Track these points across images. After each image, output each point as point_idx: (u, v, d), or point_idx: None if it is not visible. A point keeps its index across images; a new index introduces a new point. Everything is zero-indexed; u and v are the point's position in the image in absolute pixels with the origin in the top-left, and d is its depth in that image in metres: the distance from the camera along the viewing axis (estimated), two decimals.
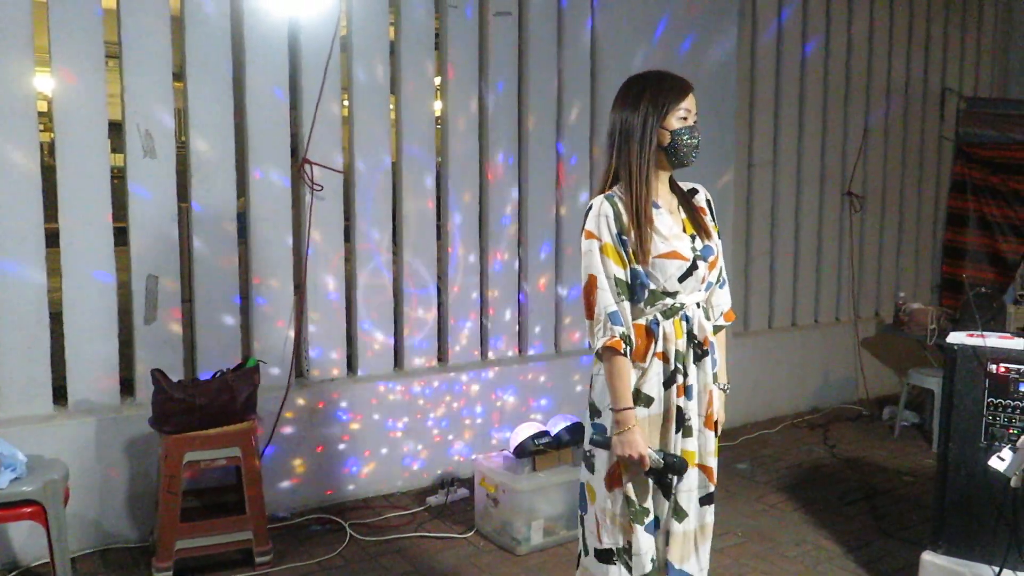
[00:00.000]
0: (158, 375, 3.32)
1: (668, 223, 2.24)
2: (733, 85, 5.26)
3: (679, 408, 2.23)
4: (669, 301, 2.21)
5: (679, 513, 2.25)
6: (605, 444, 2.21)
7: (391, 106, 4.30)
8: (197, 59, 3.71)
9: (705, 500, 2.30)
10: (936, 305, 6.20)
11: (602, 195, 2.24)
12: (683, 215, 2.29)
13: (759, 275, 5.76)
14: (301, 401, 4.02)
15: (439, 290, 4.50)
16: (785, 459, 4.92)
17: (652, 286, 2.20)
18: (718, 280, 2.33)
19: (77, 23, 3.43)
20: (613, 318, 2.16)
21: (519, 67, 4.59)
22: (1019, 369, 2.98)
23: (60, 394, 3.58)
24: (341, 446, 4.14)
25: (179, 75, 3.73)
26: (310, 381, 4.13)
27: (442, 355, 4.55)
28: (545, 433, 3.75)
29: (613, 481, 2.24)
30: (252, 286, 3.95)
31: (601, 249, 2.18)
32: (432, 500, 4.13)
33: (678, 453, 2.23)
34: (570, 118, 4.76)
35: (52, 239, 3.49)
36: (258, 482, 3.41)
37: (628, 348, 2.17)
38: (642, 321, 2.22)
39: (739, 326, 5.68)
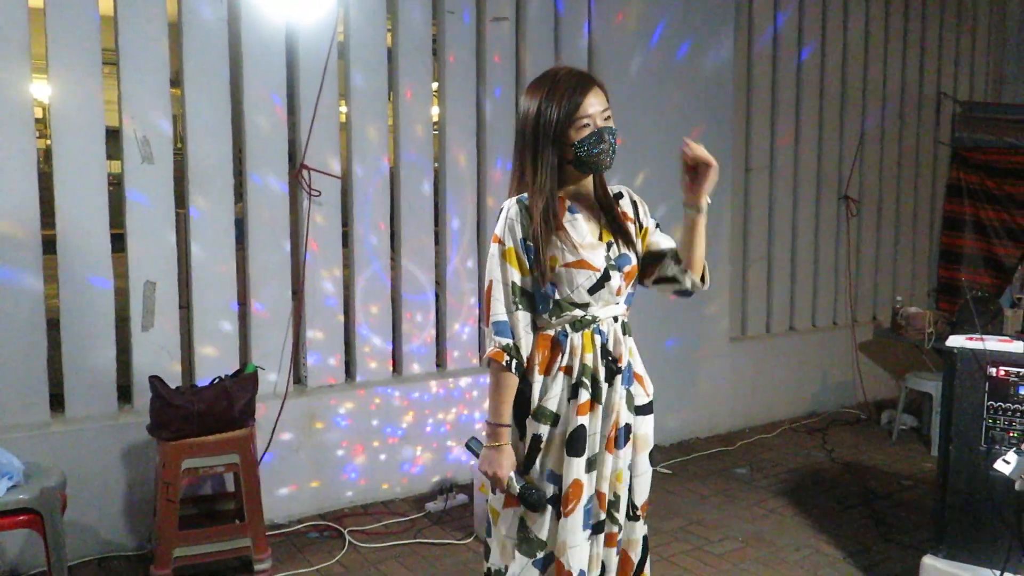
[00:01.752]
0: (156, 382, 3.31)
1: (583, 230, 2.11)
2: (729, 90, 5.27)
3: (580, 427, 2.08)
4: (579, 313, 2.10)
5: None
6: (475, 452, 2.13)
7: (389, 112, 4.30)
8: (194, 65, 3.71)
9: (596, 528, 2.16)
10: (933, 309, 6.21)
11: (514, 198, 2.12)
12: (603, 220, 2.16)
13: (756, 279, 5.77)
14: (299, 407, 4.01)
15: (437, 296, 4.49)
16: (784, 464, 4.91)
17: (557, 296, 2.08)
18: (663, 258, 2.20)
19: (74, 29, 3.42)
20: (498, 328, 2.07)
21: (516, 72, 4.60)
22: (1019, 372, 2.99)
23: (57, 401, 3.56)
24: (339, 452, 4.13)
25: (176, 81, 3.72)
26: (308, 387, 4.12)
27: (440, 361, 4.54)
28: None
29: (510, 500, 2.13)
30: (250, 292, 3.94)
31: (503, 254, 2.08)
32: (431, 506, 4.12)
33: (579, 478, 2.08)
34: None
35: (49, 246, 3.48)
36: (256, 489, 3.40)
37: (513, 361, 2.06)
38: (550, 332, 2.12)
39: (736, 330, 5.68)
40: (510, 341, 2.07)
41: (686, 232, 2.14)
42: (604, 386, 2.12)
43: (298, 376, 4.13)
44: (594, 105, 2.06)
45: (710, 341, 5.37)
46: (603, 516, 2.16)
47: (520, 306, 2.08)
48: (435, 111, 4.51)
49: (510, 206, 2.11)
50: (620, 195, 2.25)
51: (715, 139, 5.20)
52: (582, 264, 2.07)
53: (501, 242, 2.10)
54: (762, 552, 3.71)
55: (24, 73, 3.35)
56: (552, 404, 2.10)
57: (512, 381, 2.08)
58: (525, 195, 2.11)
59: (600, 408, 2.12)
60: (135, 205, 3.62)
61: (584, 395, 2.10)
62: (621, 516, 2.20)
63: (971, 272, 6.51)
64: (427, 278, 4.40)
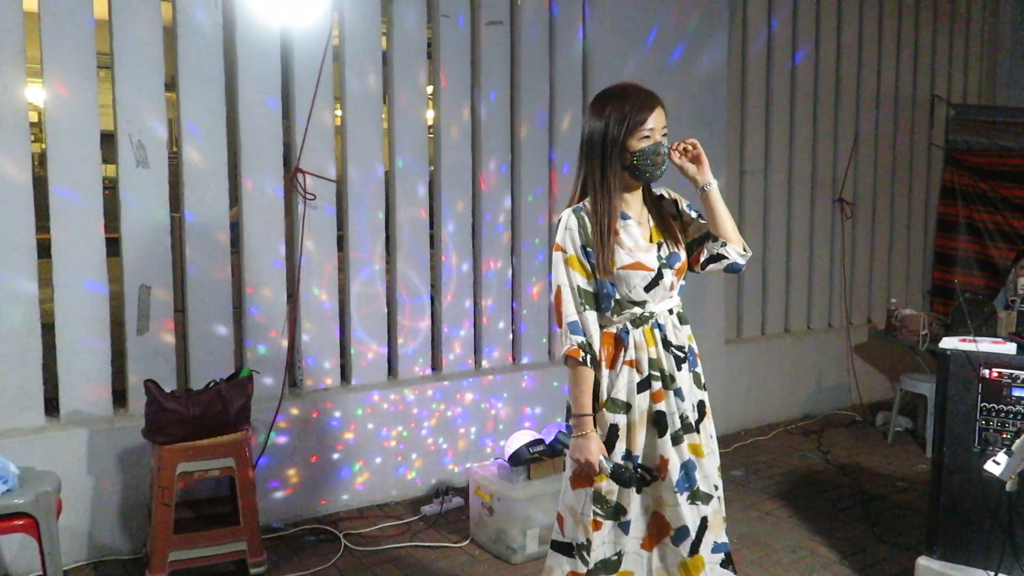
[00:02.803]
0: (151, 386, 3.30)
1: (635, 234, 2.31)
2: (724, 93, 5.29)
3: (659, 413, 2.29)
4: (637, 310, 2.30)
5: (703, 497, 2.34)
6: (564, 445, 2.26)
7: (384, 115, 4.31)
8: (189, 69, 3.71)
9: (696, 496, 2.35)
10: (927, 311, 6.23)
11: (571, 208, 2.32)
12: (652, 223, 2.36)
13: (751, 282, 5.78)
14: (295, 411, 4.01)
15: (432, 299, 4.50)
16: (779, 466, 4.92)
17: (617, 296, 2.28)
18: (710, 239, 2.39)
19: (69, 34, 3.42)
20: (572, 328, 2.26)
21: (511, 76, 4.61)
22: (1012, 374, 3.00)
23: (52, 405, 3.56)
24: (335, 456, 4.13)
25: (171, 85, 3.73)
26: (304, 391, 4.11)
27: (436, 364, 4.54)
28: (540, 441, 3.75)
29: (578, 480, 2.34)
30: (245, 296, 3.94)
31: (566, 261, 2.28)
32: (427, 509, 4.12)
33: (664, 455, 2.28)
34: (562, 126, 4.77)
35: (44, 250, 3.47)
36: (252, 492, 3.39)
37: (588, 356, 2.25)
38: (612, 330, 2.31)
39: (732, 333, 5.70)
40: (584, 338, 2.26)
41: (708, 210, 2.35)
42: (676, 373, 2.32)
43: (293, 379, 4.13)
44: (657, 120, 2.26)
45: (705, 343, 5.30)
46: (699, 486, 2.34)
47: (587, 307, 2.28)
48: (430, 115, 4.52)
49: (568, 216, 2.31)
50: (662, 196, 2.45)
51: (709, 142, 5.17)
52: (637, 266, 2.27)
53: (563, 250, 2.29)
54: (757, 554, 3.71)
55: (19, 77, 3.35)
56: (622, 395, 2.29)
57: (589, 374, 2.27)
58: (580, 205, 2.32)
59: (672, 393, 2.31)
60: (130, 209, 3.62)
61: (656, 385, 2.30)
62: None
63: (965, 274, 6.54)
64: (422, 281, 4.40)
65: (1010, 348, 3.08)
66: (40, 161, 4.30)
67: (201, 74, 3.73)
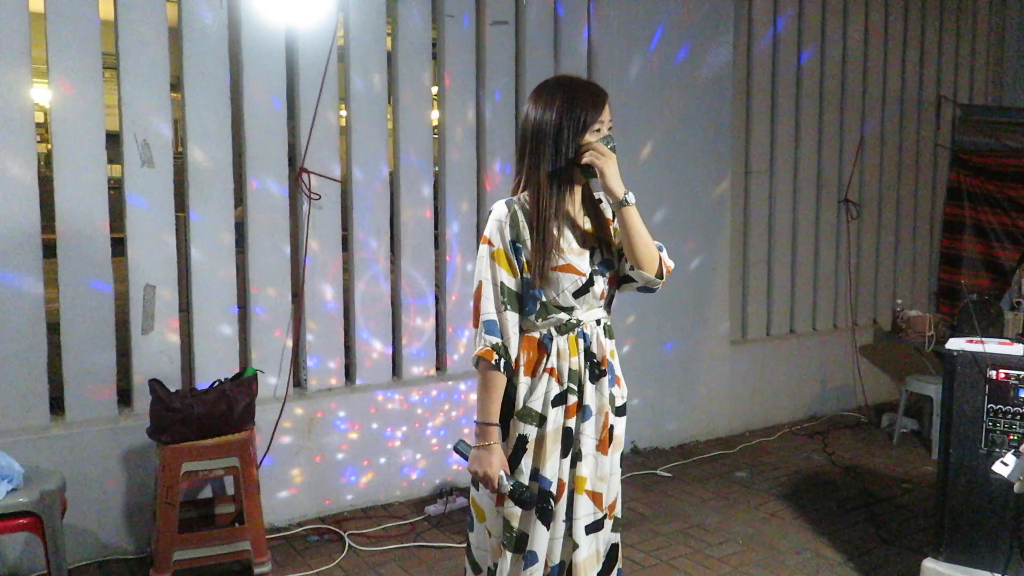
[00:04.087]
0: (156, 385, 3.31)
1: (569, 236, 2.14)
2: (729, 93, 5.28)
3: (567, 430, 2.13)
4: (564, 316, 2.13)
5: (575, 546, 2.16)
6: (463, 454, 2.13)
7: (388, 115, 4.31)
8: (194, 69, 3.71)
9: (592, 528, 2.17)
10: (934, 312, 6.21)
11: (503, 200, 2.17)
12: (587, 226, 2.19)
13: (756, 283, 5.77)
14: (299, 411, 4.01)
15: (437, 299, 4.50)
16: (784, 467, 4.91)
17: (544, 299, 2.12)
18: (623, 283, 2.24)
19: (74, 34, 3.43)
20: (488, 327, 2.08)
21: (516, 76, 4.60)
22: (1019, 375, 2.98)
23: (57, 405, 3.57)
24: (339, 456, 4.13)
25: (176, 85, 3.73)
26: (308, 391, 4.12)
27: (440, 364, 4.54)
28: None
29: (499, 499, 2.15)
30: (250, 296, 3.94)
31: (492, 255, 2.11)
32: (431, 509, 4.12)
33: (563, 477, 2.12)
34: None
35: (50, 249, 3.48)
36: (256, 492, 3.39)
37: (502, 360, 2.07)
38: (535, 335, 2.14)
39: (737, 334, 5.69)
40: (499, 340, 2.08)
41: (620, 229, 2.14)
42: (590, 387, 2.16)
43: (298, 379, 4.13)
44: (608, 113, 2.12)
45: (710, 344, 5.37)
46: (601, 515, 2.19)
47: (509, 307, 2.10)
48: (435, 115, 4.52)
49: (500, 208, 2.15)
50: (600, 200, 2.28)
51: (714, 142, 5.21)
52: (568, 268, 2.11)
53: (490, 243, 2.13)
54: (762, 555, 3.70)
55: (25, 78, 3.36)
56: (537, 405, 2.13)
57: (501, 380, 2.09)
58: (515, 198, 2.16)
59: (587, 410, 2.15)
60: (135, 209, 3.63)
61: (572, 398, 2.14)
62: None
63: (971, 275, 6.51)
64: (427, 281, 4.40)
65: (1017, 349, 3.06)
66: (46, 161, 4.30)
67: (206, 74, 3.73)
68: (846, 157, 6.18)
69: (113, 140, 3.60)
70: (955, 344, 3.15)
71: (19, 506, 2.80)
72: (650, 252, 2.14)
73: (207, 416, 3.29)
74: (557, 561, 2.15)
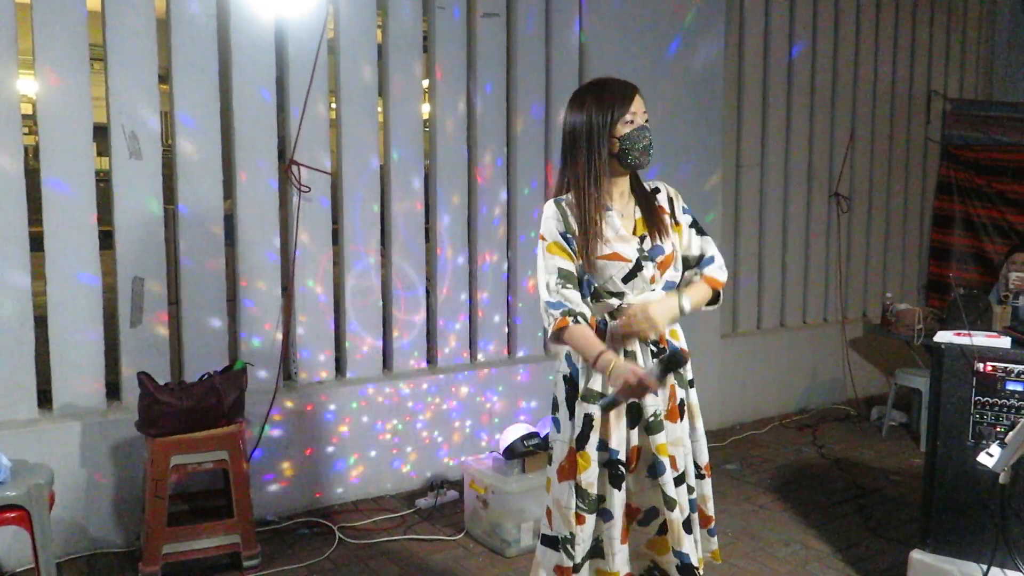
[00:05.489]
0: (144, 378, 3.30)
1: (615, 225, 2.28)
2: (720, 87, 5.28)
3: (631, 404, 2.26)
4: (615, 302, 2.27)
5: (669, 502, 2.28)
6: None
7: (379, 108, 4.29)
8: (183, 60, 3.69)
9: (678, 481, 2.32)
10: (923, 305, 6.24)
11: (552, 199, 2.33)
12: (638, 215, 2.33)
13: (747, 276, 5.78)
14: (289, 404, 4.00)
15: (428, 292, 4.49)
16: (774, 460, 4.93)
17: (595, 284, 2.27)
18: (690, 267, 2.40)
19: (61, 25, 3.41)
20: (552, 305, 2.23)
21: (507, 68, 4.59)
22: (1006, 368, 3.00)
23: (45, 398, 3.55)
24: (330, 449, 4.13)
25: (165, 77, 3.71)
26: (298, 384, 4.11)
27: (431, 357, 4.54)
28: (534, 434, 3.74)
29: (563, 473, 2.33)
30: (239, 288, 3.93)
31: (547, 248, 2.27)
32: (421, 502, 4.12)
33: (637, 444, 2.29)
34: (559, 120, 4.74)
35: (37, 242, 3.46)
36: (246, 485, 3.39)
37: (578, 317, 2.20)
38: (593, 319, 2.28)
39: (727, 327, 5.70)
40: (567, 307, 2.21)
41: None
42: (652, 363, 2.25)
43: (288, 372, 4.12)
44: (638, 105, 2.25)
45: (700, 337, 5.37)
46: (677, 474, 2.32)
47: (570, 286, 2.24)
48: (425, 107, 4.51)
49: (548, 206, 2.31)
50: (657, 190, 2.41)
51: (705, 136, 5.21)
52: (614, 256, 2.24)
53: (543, 239, 2.29)
54: (751, 547, 3.72)
55: (11, 69, 3.33)
56: (597, 385, 2.26)
57: (585, 329, 2.21)
58: (562, 197, 2.31)
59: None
60: (123, 201, 3.61)
61: None
62: (691, 478, 2.39)
63: (960, 269, 6.55)
64: (417, 274, 4.40)
65: (1004, 342, 3.08)
66: (33, 153, 4.27)
67: (195, 65, 3.71)
68: (837, 151, 6.19)
69: (101, 132, 3.58)
70: (943, 337, 3.16)
71: (6, 499, 2.79)
72: (705, 302, 2.38)
73: (196, 409, 3.28)
74: (649, 506, 2.34)
